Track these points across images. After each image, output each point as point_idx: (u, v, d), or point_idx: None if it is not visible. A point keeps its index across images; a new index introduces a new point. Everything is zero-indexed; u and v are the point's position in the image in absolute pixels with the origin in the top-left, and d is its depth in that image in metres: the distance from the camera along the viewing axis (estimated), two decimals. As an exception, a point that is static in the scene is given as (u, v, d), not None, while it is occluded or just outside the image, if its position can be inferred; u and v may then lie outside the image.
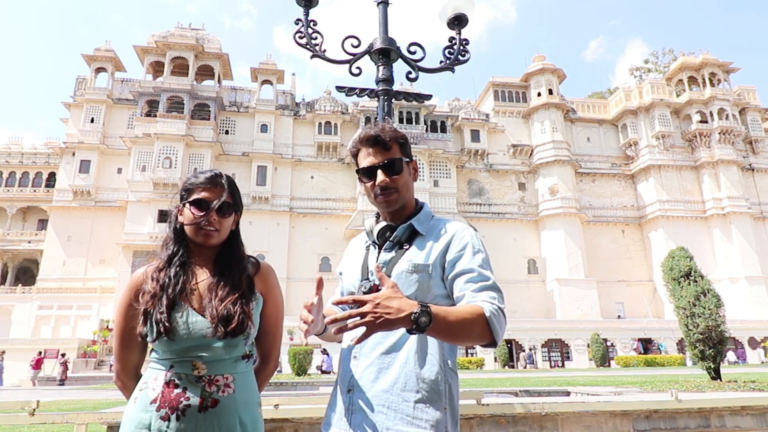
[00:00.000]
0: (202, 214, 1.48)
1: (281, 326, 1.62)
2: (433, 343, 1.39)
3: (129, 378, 1.52)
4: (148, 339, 1.42)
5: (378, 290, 1.40)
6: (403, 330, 1.31)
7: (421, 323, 1.15)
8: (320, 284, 1.37)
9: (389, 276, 1.42)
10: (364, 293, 1.42)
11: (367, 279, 1.47)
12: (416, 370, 1.35)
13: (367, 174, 1.50)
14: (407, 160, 1.53)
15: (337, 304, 1.30)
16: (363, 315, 1.14)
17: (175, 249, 1.51)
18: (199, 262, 1.53)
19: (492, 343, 1.29)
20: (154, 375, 1.41)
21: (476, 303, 1.30)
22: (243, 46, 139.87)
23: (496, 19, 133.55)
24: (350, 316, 1.14)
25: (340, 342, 1.54)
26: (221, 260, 1.53)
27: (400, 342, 1.38)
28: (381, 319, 1.13)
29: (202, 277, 1.50)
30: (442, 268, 1.42)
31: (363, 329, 1.14)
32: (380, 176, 1.48)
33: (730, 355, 29.53)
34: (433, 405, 1.32)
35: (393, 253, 1.48)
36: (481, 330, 1.25)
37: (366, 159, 1.51)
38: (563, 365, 30.64)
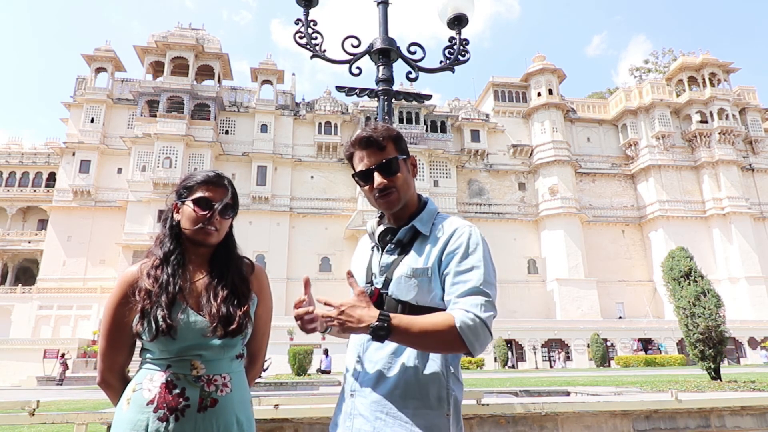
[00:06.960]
0: (205, 213, 1.47)
1: (270, 326, 1.62)
2: None
3: (116, 379, 1.47)
4: (145, 338, 1.39)
5: (380, 294, 1.41)
6: None
7: (379, 335, 1.24)
8: (307, 284, 1.41)
9: (390, 279, 1.40)
10: None
11: (371, 282, 1.46)
12: (417, 376, 1.32)
13: (363, 177, 1.46)
14: (404, 157, 1.48)
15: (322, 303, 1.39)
16: (330, 318, 1.27)
17: (172, 247, 1.50)
18: (195, 261, 1.52)
19: (469, 354, 1.27)
20: (149, 375, 1.38)
21: (452, 311, 1.28)
22: (241, 39, 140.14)
23: (499, 14, 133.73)
24: (322, 317, 1.29)
25: (347, 337, 1.52)
26: (218, 260, 1.53)
27: (401, 347, 1.35)
28: (343, 324, 1.25)
29: (198, 276, 1.49)
30: (440, 268, 1.39)
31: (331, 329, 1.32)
32: (377, 179, 1.43)
33: None
34: (434, 412, 1.29)
35: (395, 256, 1.45)
36: (451, 340, 1.24)
37: (361, 162, 1.46)
38: (563, 365, 30.64)
